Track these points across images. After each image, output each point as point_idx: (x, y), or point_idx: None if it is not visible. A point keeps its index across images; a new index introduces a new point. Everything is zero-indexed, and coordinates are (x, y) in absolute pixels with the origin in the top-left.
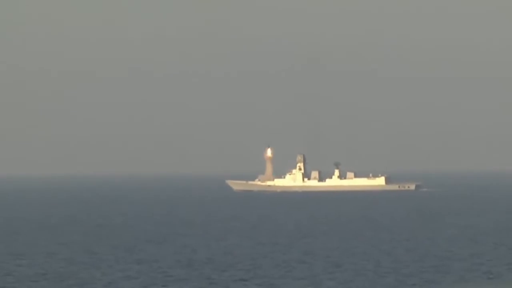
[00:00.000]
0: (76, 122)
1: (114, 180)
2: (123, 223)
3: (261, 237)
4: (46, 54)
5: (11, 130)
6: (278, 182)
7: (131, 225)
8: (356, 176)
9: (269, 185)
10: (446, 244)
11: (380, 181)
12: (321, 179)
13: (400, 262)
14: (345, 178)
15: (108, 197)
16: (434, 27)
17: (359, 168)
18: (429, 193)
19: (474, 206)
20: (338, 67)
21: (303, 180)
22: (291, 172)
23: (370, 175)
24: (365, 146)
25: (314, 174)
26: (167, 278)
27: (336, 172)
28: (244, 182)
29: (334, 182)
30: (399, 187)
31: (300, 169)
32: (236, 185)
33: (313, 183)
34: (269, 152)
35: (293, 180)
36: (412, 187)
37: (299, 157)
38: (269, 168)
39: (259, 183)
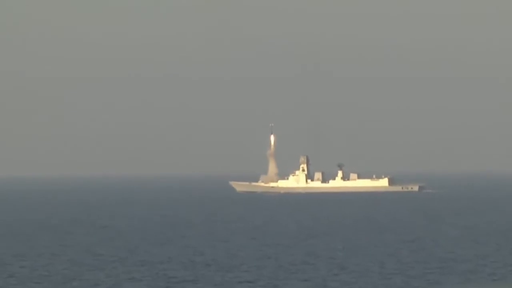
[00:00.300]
0: (77, 122)
1: (115, 181)
2: (126, 224)
3: (265, 239)
4: (46, 54)
5: (12, 131)
6: (282, 184)
7: (134, 226)
8: (359, 177)
9: (272, 186)
10: (450, 245)
11: (383, 182)
12: (324, 180)
13: (404, 264)
14: (348, 179)
15: (111, 198)
16: (434, 27)
17: (362, 169)
18: (432, 194)
19: (477, 207)
20: (341, 69)
21: (306, 181)
22: (294, 173)
23: (374, 176)
24: (368, 147)
25: (318, 175)
26: (171, 279)
27: (340, 173)
28: (247, 183)
29: (337, 183)
30: (402, 188)
31: (303, 170)
32: (239, 186)
33: (316, 184)
34: (272, 140)
35: (297, 181)
36: (416, 188)
37: (302, 158)
38: (271, 167)
39: (262, 184)
